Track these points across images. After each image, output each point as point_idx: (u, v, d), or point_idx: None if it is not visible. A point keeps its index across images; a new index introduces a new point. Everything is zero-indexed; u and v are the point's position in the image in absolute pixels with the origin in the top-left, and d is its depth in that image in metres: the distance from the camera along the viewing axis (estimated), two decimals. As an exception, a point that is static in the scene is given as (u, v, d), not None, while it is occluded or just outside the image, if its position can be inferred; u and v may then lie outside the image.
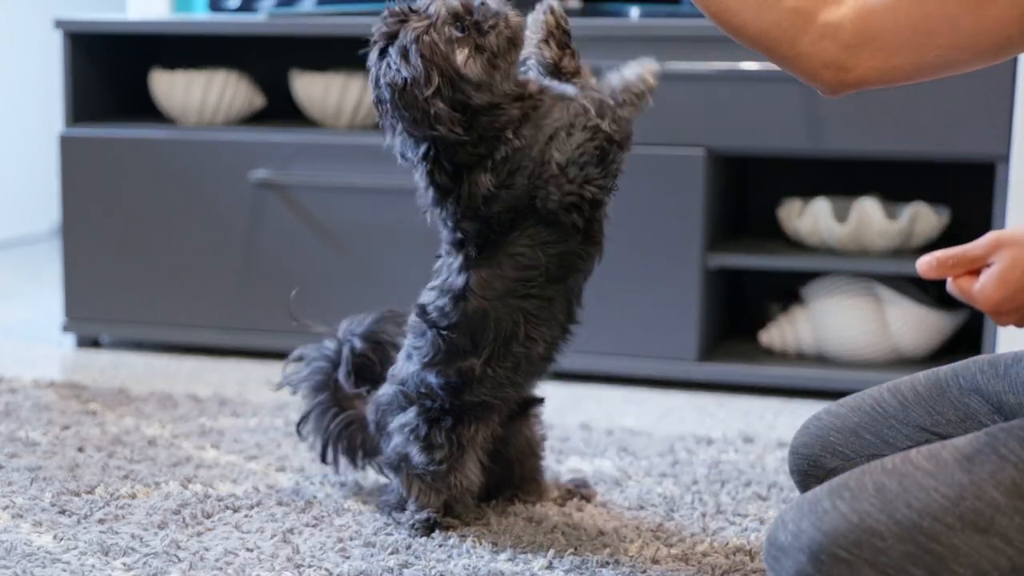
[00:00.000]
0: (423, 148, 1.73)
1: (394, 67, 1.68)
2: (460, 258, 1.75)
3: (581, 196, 1.69)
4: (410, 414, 1.79)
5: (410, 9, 1.70)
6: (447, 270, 1.77)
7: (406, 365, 1.81)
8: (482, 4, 1.70)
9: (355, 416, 1.92)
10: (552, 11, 1.78)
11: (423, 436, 1.78)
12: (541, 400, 1.91)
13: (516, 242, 1.72)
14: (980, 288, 1.27)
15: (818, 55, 1.40)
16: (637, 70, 1.72)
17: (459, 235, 1.74)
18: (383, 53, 1.70)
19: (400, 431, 1.80)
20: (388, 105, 1.70)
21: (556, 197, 1.68)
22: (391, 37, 1.70)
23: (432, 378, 1.77)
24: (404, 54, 1.67)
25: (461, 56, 1.68)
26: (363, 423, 1.90)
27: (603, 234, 1.77)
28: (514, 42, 1.71)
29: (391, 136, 1.75)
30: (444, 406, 1.77)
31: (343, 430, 1.92)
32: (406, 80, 1.67)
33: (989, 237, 1.27)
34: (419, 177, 1.76)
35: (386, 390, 1.84)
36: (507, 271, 1.72)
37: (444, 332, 1.75)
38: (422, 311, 1.78)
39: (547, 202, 1.69)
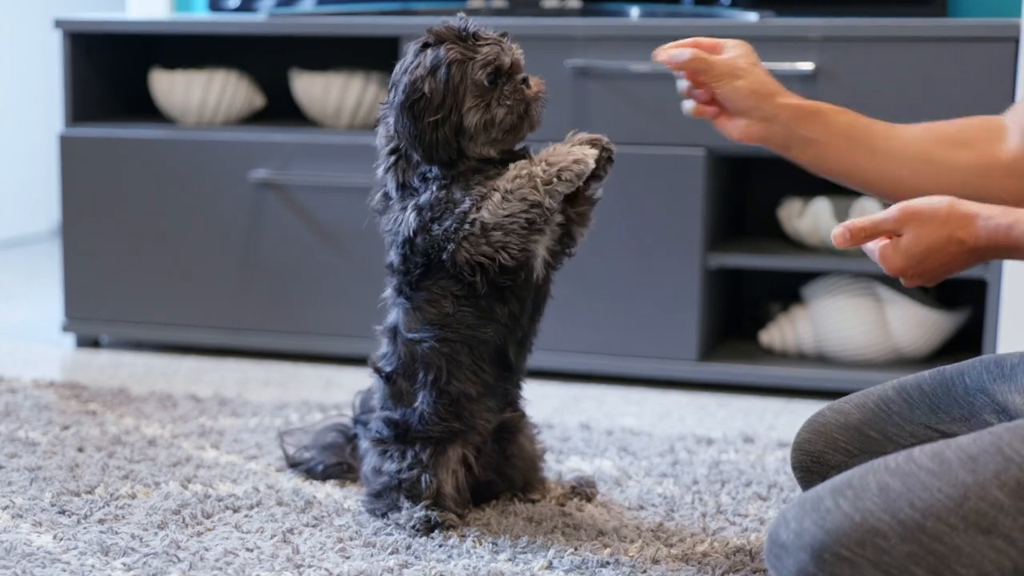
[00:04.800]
0: (392, 145, 1.76)
1: (421, 73, 1.69)
2: (393, 285, 1.79)
3: (493, 260, 1.70)
4: (373, 450, 1.84)
5: (473, 36, 1.71)
6: (387, 300, 1.82)
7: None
8: (524, 81, 1.72)
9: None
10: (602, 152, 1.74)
11: (389, 452, 1.81)
12: (522, 416, 1.90)
13: (431, 288, 1.75)
14: (887, 256, 1.37)
15: (1011, 192, 1.51)
16: (586, 149, 1.69)
17: (389, 260, 1.78)
18: (424, 49, 1.71)
19: (366, 462, 1.85)
20: (396, 99, 1.72)
21: (466, 256, 1.70)
22: (440, 43, 1.71)
23: (383, 421, 1.82)
24: (435, 69, 1.69)
25: (470, 103, 1.69)
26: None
27: (526, 299, 1.77)
28: (516, 130, 1.72)
29: (382, 123, 1.77)
30: (397, 441, 1.81)
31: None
32: (422, 94, 1.69)
33: (897, 209, 1.36)
34: (379, 173, 1.79)
35: (361, 440, 1.91)
36: (425, 313, 1.76)
37: (386, 378, 1.81)
38: (372, 359, 1.84)
39: (455, 256, 1.70)
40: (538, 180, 1.67)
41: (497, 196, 1.68)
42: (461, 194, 1.70)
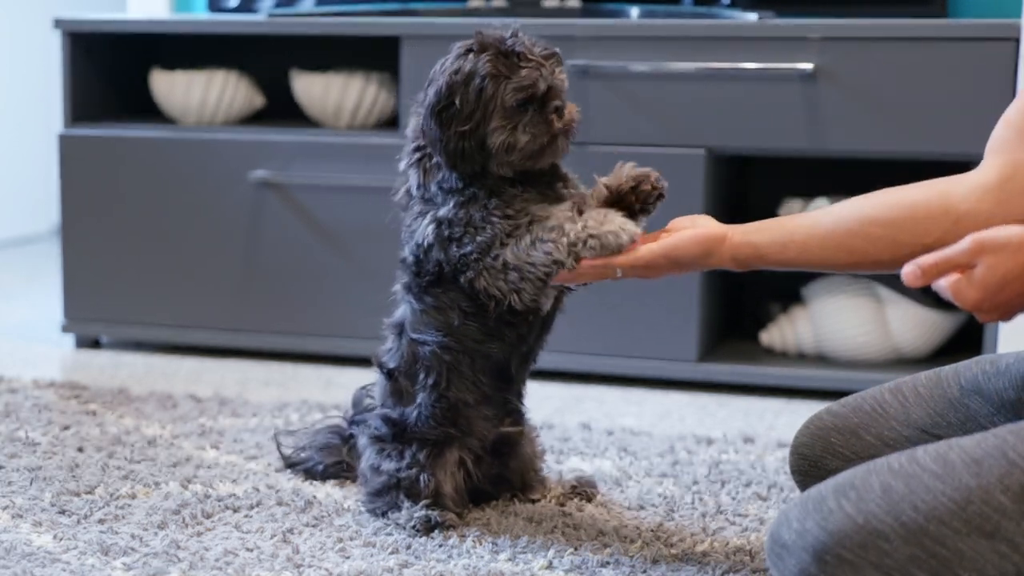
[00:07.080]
0: (419, 143, 1.74)
1: (457, 80, 1.66)
2: (403, 281, 1.79)
3: (505, 296, 1.68)
4: (371, 447, 1.84)
5: (517, 54, 1.67)
6: (397, 294, 1.81)
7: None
8: (557, 109, 1.68)
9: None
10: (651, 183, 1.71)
11: (387, 451, 1.81)
12: (520, 432, 1.87)
13: (439, 296, 1.74)
14: (960, 290, 1.29)
15: (977, 212, 1.46)
16: (627, 225, 1.63)
17: (403, 255, 1.77)
18: (467, 54, 1.68)
19: (364, 459, 1.85)
20: (428, 100, 1.70)
21: (482, 284, 1.69)
22: (482, 51, 1.67)
23: (382, 419, 1.82)
24: (469, 79, 1.66)
25: (496, 122, 1.66)
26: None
27: (535, 322, 1.76)
28: (538, 157, 1.69)
29: (414, 115, 1.75)
30: (395, 441, 1.81)
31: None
32: (452, 103, 1.66)
33: (970, 241, 1.28)
34: (402, 166, 1.77)
35: (359, 436, 1.90)
36: (432, 318, 1.75)
37: (388, 374, 1.81)
38: (376, 354, 1.84)
39: (474, 282, 1.69)
40: (566, 240, 1.63)
41: (527, 240, 1.65)
42: (480, 217, 1.68)
